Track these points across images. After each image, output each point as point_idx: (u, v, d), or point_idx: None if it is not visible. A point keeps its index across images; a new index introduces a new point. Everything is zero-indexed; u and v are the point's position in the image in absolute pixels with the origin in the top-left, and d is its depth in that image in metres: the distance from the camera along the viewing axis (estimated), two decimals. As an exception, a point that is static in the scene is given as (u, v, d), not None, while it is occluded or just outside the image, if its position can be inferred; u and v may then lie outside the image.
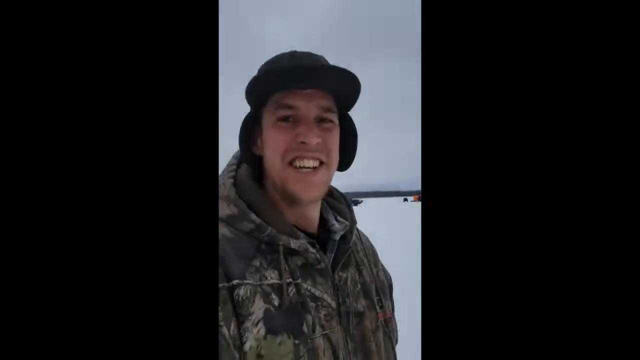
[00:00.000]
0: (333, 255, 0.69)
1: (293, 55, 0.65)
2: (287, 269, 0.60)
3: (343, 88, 0.64)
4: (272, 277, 0.58)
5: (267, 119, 0.65)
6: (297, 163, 0.63)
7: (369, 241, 0.84)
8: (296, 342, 0.55)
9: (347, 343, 0.63)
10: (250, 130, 0.70)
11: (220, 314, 0.51)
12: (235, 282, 0.54)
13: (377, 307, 0.71)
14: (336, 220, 0.74)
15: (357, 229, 0.79)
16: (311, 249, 0.62)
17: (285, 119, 0.63)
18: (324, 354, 0.58)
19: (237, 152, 0.73)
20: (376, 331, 0.69)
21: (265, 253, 0.60)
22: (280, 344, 0.54)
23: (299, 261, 0.62)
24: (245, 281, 0.55)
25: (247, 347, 0.52)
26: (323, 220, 0.73)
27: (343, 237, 0.71)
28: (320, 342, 0.58)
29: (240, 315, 0.53)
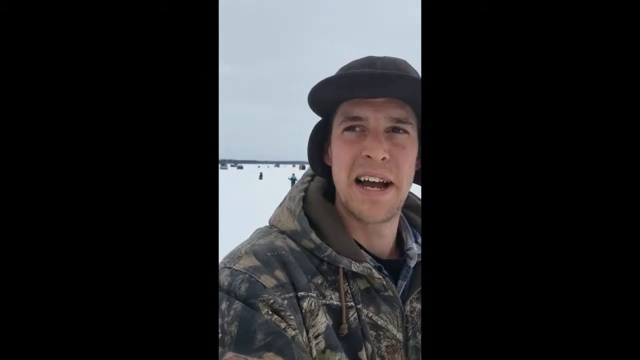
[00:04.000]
0: (407, 282, 0.63)
1: (371, 61, 0.58)
2: (349, 292, 0.58)
3: (418, 95, 0.55)
4: (332, 297, 0.56)
5: (335, 128, 0.61)
6: (363, 179, 0.58)
7: None
8: None
9: None
10: (321, 139, 0.66)
11: (295, 323, 0.51)
12: (300, 294, 0.54)
13: None
14: (417, 242, 0.67)
15: None
16: (376, 274, 0.58)
17: (351, 128, 0.58)
18: None
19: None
20: None
21: (326, 273, 0.58)
22: None
23: (362, 285, 0.59)
24: (309, 293, 0.54)
25: (312, 355, 0.52)
26: (401, 241, 0.67)
27: None
28: None
29: (307, 326, 0.53)
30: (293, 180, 21.82)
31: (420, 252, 0.64)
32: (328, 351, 0.52)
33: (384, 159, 0.56)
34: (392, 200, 0.58)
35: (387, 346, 0.57)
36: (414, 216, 0.72)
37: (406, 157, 0.58)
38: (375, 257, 0.61)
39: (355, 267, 0.57)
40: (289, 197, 0.65)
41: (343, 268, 0.58)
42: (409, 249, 0.65)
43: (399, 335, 0.58)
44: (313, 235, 0.58)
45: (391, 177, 0.57)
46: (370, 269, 0.58)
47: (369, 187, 0.58)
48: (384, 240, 0.63)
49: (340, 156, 0.59)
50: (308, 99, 0.61)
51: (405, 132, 0.58)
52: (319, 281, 0.57)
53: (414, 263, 0.63)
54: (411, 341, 0.59)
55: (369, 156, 0.56)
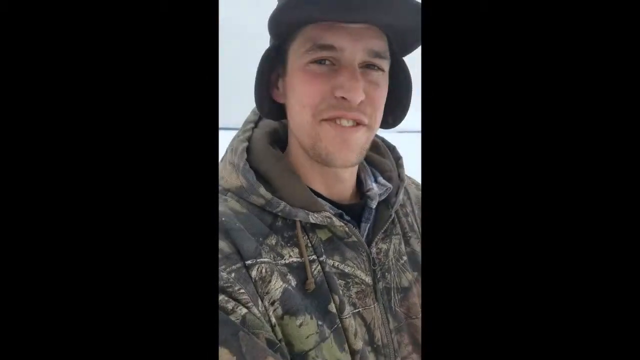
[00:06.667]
0: (370, 224, 0.59)
1: None
2: (310, 245, 0.53)
3: (406, 23, 0.47)
4: (290, 255, 0.52)
5: (296, 58, 0.50)
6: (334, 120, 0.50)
7: None
8: (319, 322, 0.49)
9: (388, 321, 0.56)
10: (269, 69, 0.55)
11: (246, 296, 0.46)
12: (248, 262, 0.48)
13: None
14: (376, 182, 0.62)
15: (406, 187, 0.67)
16: (337, 222, 0.53)
17: (320, 61, 0.49)
18: (355, 334, 0.52)
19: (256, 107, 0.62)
20: None
21: (281, 230, 0.53)
22: (301, 325, 0.48)
23: (323, 235, 0.54)
24: (259, 260, 0.49)
25: (272, 323, 0.48)
26: (360, 183, 0.62)
27: (386, 202, 0.60)
28: (350, 322, 0.52)
29: (260, 294, 0.48)
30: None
31: (380, 191, 0.60)
32: (287, 317, 0.48)
33: (361, 101, 0.49)
34: (363, 140, 0.52)
35: (357, 292, 0.54)
36: (375, 157, 0.66)
37: (381, 98, 0.52)
38: (334, 204, 0.57)
39: (313, 218, 0.52)
40: (230, 149, 0.57)
41: (300, 221, 0.52)
42: (369, 190, 0.60)
43: (368, 279, 0.56)
44: (262, 190, 0.52)
45: (365, 120, 0.51)
46: (331, 218, 0.53)
47: (339, 126, 0.50)
48: (344, 184, 0.59)
49: (304, 93, 0.50)
50: (269, 23, 0.50)
51: (380, 69, 0.51)
52: (273, 241, 0.51)
53: (375, 204, 0.59)
54: (380, 283, 0.57)
55: (344, 97, 0.48)
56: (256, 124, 0.60)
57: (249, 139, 0.58)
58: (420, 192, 0.71)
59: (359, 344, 0.52)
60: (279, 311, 0.48)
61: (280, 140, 0.60)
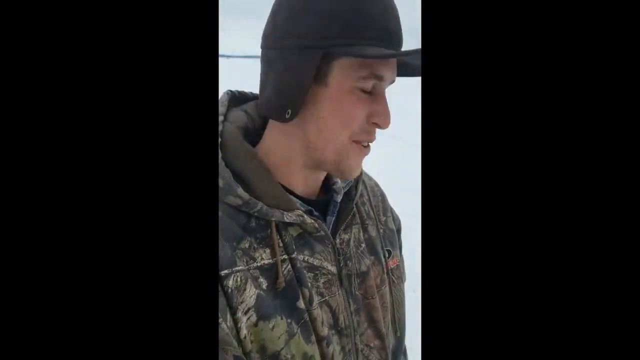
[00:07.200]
0: (334, 217, 0.62)
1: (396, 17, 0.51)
2: (281, 244, 0.54)
3: (414, 68, 0.54)
4: (262, 257, 0.52)
5: (345, 77, 0.51)
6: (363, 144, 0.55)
7: (377, 186, 0.75)
8: (289, 320, 0.51)
9: (349, 304, 0.60)
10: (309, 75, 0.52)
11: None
12: (224, 272, 0.48)
13: (384, 260, 0.66)
14: None
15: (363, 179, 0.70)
16: (309, 219, 0.55)
17: (367, 88, 0.52)
18: (322, 322, 0.55)
19: (223, 97, 0.60)
20: (381, 285, 0.65)
21: (255, 230, 0.53)
22: (273, 327, 0.50)
23: (294, 232, 0.56)
24: (234, 269, 0.49)
25: (242, 336, 0.48)
26: (326, 178, 0.64)
27: (347, 194, 0.64)
28: (318, 312, 0.55)
29: (232, 306, 0.48)
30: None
31: (343, 184, 0.63)
32: (261, 322, 0.49)
33: None
34: None
35: (324, 282, 0.57)
36: None
37: None
38: (304, 199, 0.58)
39: (287, 217, 0.53)
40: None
41: (274, 221, 0.53)
42: (334, 184, 0.63)
43: (333, 269, 0.59)
44: (240, 191, 0.51)
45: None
46: (303, 216, 0.54)
47: (363, 147, 0.56)
48: (317, 184, 0.62)
49: (350, 115, 0.52)
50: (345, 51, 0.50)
51: None
52: (247, 245, 0.52)
53: (340, 197, 0.62)
54: (343, 271, 0.60)
55: (375, 123, 0.53)
56: (225, 116, 0.59)
57: (221, 134, 0.56)
58: (371, 182, 0.75)
59: (325, 330, 0.55)
60: (253, 318, 0.49)
61: (249, 134, 0.59)
